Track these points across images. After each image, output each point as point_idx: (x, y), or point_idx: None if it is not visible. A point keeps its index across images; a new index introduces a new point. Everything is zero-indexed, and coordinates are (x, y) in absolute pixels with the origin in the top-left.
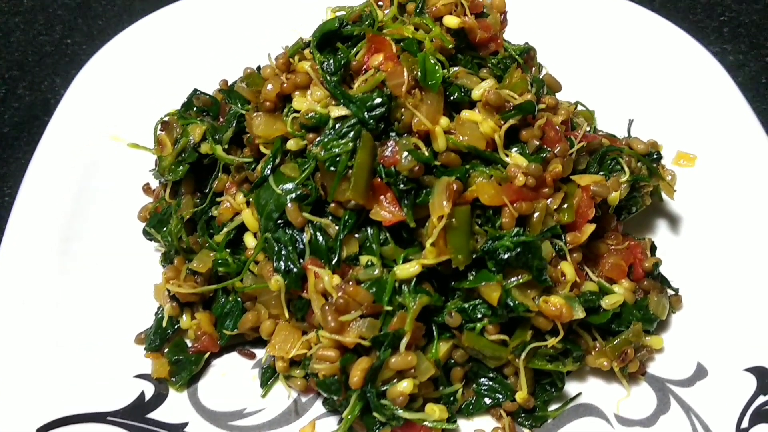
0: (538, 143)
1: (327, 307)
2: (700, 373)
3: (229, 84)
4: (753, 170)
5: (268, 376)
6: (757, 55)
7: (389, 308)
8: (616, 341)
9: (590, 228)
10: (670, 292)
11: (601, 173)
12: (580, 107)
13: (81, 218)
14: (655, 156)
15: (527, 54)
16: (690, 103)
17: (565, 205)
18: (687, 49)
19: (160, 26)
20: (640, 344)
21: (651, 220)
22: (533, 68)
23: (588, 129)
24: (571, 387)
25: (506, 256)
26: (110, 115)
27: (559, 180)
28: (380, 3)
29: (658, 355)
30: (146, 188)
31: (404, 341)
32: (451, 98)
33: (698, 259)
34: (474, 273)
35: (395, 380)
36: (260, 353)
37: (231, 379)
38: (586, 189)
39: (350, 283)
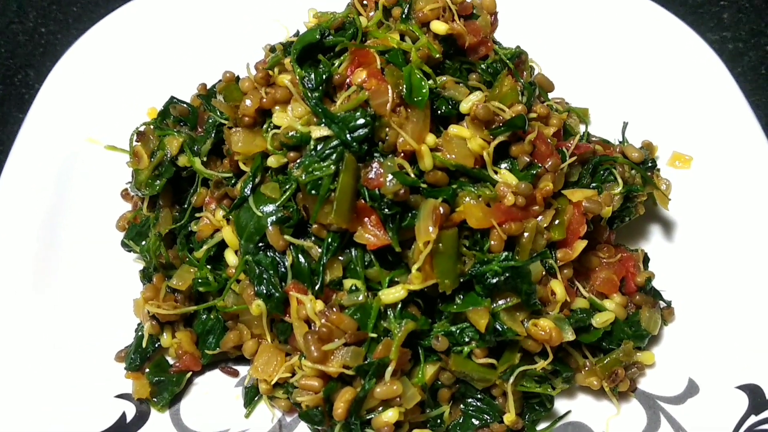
0: (528, 159)
1: (310, 336)
2: (692, 389)
3: (209, 88)
4: (751, 174)
5: (252, 396)
6: (757, 43)
7: (374, 335)
8: (606, 360)
9: (581, 245)
10: (662, 304)
11: (594, 185)
12: (573, 105)
13: (57, 228)
14: (650, 164)
15: (518, 58)
16: (686, 99)
17: (556, 222)
18: (684, 40)
19: (139, 15)
20: (631, 362)
21: (644, 227)
22: (524, 72)
23: (581, 134)
24: (560, 405)
25: (495, 280)
26: (87, 114)
27: (550, 197)
28: (365, 2)
29: (649, 370)
30: (125, 194)
31: (389, 369)
32: (439, 112)
33: (692, 268)
34: (462, 296)
35: (380, 409)
36: (244, 370)
37: (214, 398)
38: (577, 205)
39: (334, 309)
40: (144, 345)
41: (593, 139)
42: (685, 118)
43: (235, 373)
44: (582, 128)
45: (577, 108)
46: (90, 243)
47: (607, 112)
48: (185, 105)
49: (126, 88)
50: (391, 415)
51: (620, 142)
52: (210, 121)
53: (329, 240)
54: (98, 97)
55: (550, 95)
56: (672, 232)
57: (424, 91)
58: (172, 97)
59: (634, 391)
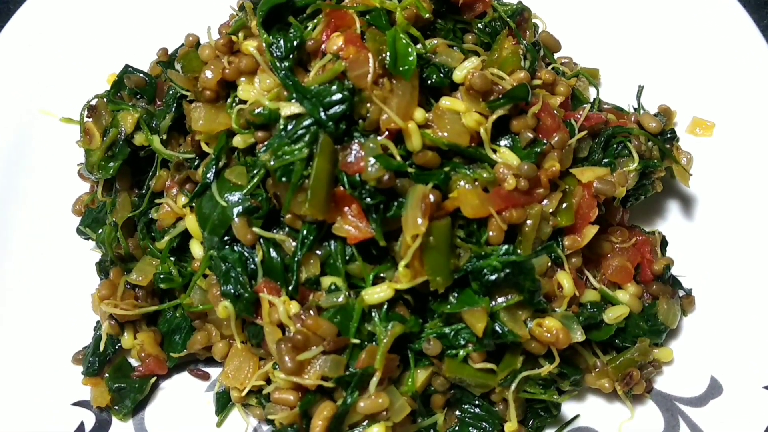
0: (532, 135)
1: (283, 345)
2: (714, 390)
3: (170, 53)
4: None
5: (224, 402)
6: None
7: (356, 341)
8: (619, 360)
9: (592, 231)
10: (681, 293)
11: (606, 161)
12: (582, 65)
13: (5, 211)
14: (668, 135)
15: (520, 15)
16: (708, 57)
17: (564, 206)
18: None
19: None
20: (647, 361)
21: (660, 204)
22: (527, 32)
23: (591, 101)
24: (567, 408)
25: (493, 277)
26: (39, 83)
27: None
28: None
29: (666, 368)
30: (81, 173)
31: (374, 380)
32: (429, 82)
33: (714, 251)
34: (456, 295)
35: (365, 424)
36: (215, 372)
37: (182, 405)
38: (588, 186)
39: (311, 312)
40: (102, 347)
41: (605, 106)
42: (706, 78)
43: (206, 377)
44: (592, 93)
45: (586, 69)
46: (44, 228)
47: (619, 73)
48: (141, 75)
49: (82, 54)
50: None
51: (635, 109)
52: (170, 92)
53: (304, 232)
54: (51, 64)
55: (556, 55)
56: (692, 210)
57: (411, 59)
58: (127, 66)
59: (650, 392)
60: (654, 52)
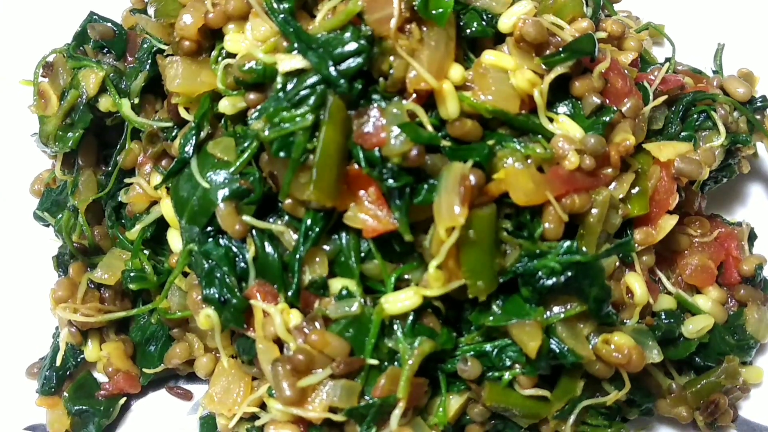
0: (599, 101)
1: (280, 367)
2: None
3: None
4: None
5: (210, 430)
6: None
7: (374, 362)
8: (701, 383)
9: (670, 222)
10: None
11: (685, 134)
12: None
13: None
14: (759, 104)
15: None
16: None
17: (636, 191)
18: None
19: None
20: (735, 385)
21: (741, 188)
22: None
23: (664, 63)
24: None
25: (551, 282)
26: None
27: None
28: None
29: (755, 391)
30: None
31: (397, 413)
32: (468, 31)
33: None
34: (501, 303)
35: None
36: (199, 391)
37: (159, 431)
38: (666, 166)
39: (316, 324)
40: (60, 360)
41: (680, 68)
42: None
43: (188, 396)
44: (659, 55)
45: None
46: None
47: (689, 31)
48: (109, 24)
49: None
50: None
51: (714, 72)
52: (145, 46)
53: (308, 222)
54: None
55: (616, 7)
56: None
57: (446, 0)
58: (92, 13)
59: (734, 421)
60: (730, 4)
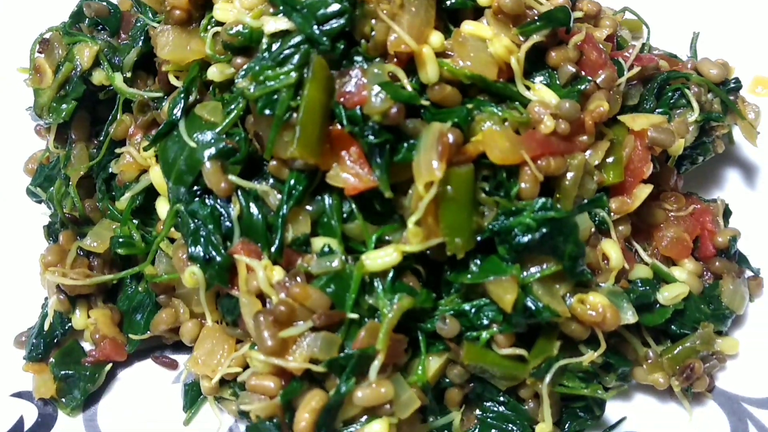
0: (573, 70)
1: (262, 318)
2: None
3: None
4: None
5: (194, 396)
6: None
7: (354, 316)
8: (677, 350)
9: (645, 190)
10: (748, 273)
11: (660, 110)
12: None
13: None
14: (732, 84)
15: None
16: None
17: (611, 159)
18: None
19: None
20: (710, 352)
21: (719, 170)
22: None
23: (640, 43)
24: (612, 408)
25: (526, 239)
26: None
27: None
28: None
29: (731, 362)
30: (39, 130)
31: (376, 364)
32: (448, 3)
33: None
34: (479, 261)
35: (364, 419)
36: (184, 361)
37: (144, 399)
38: (640, 135)
39: (298, 279)
40: (48, 326)
41: (655, 52)
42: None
43: (173, 365)
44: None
45: (629, 21)
46: None
47: (667, 22)
48: (104, 3)
49: None
50: (378, 429)
51: (689, 57)
52: (138, 24)
53: (292, 182)
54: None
55: None
56: (755, 178)
57: None
58: None
59: (711, 390)
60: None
